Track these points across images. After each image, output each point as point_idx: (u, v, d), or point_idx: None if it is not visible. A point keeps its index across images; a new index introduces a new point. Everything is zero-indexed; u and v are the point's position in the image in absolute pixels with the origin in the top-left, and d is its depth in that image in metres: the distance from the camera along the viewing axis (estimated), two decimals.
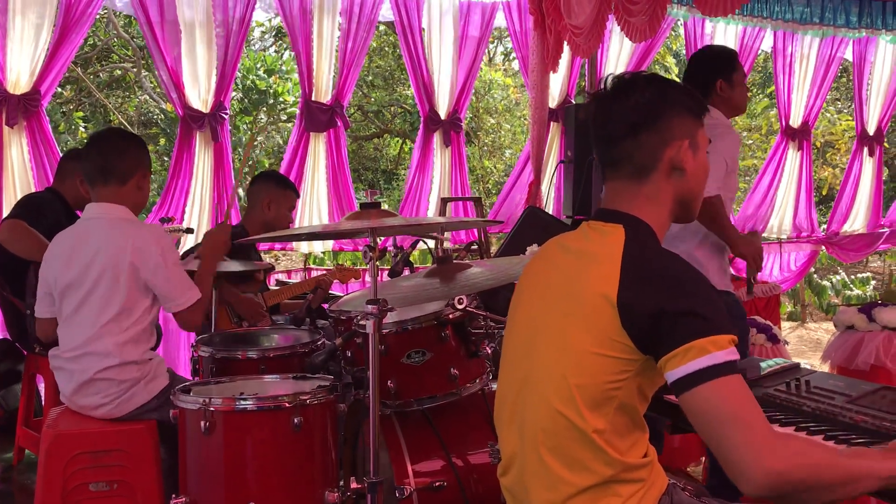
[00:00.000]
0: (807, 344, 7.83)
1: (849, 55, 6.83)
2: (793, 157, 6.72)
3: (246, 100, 9.92)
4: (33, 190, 4.39)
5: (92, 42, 9.80)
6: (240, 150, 9.34)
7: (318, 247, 5.71)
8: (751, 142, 10.37)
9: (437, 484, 2.33)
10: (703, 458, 3.85)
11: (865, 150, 7.06)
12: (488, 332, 2.47)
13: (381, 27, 9.43)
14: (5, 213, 3.94)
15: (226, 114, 4.98)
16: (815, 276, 9.50)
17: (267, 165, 9.89)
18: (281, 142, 10.15)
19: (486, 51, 9.24)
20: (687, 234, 2.98)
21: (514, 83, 11.13)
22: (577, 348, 1.49)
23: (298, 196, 4.02)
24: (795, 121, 6.68)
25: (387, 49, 10.78)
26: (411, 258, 2.96)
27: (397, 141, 11.61)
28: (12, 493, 3.63)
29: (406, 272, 2.91)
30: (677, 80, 2.75)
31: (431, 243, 2.63)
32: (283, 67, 10.33)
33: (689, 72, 3.16)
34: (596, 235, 1.60)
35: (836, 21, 6.45)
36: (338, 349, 2.41)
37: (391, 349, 2.37)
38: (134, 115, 10.39)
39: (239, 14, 4.89)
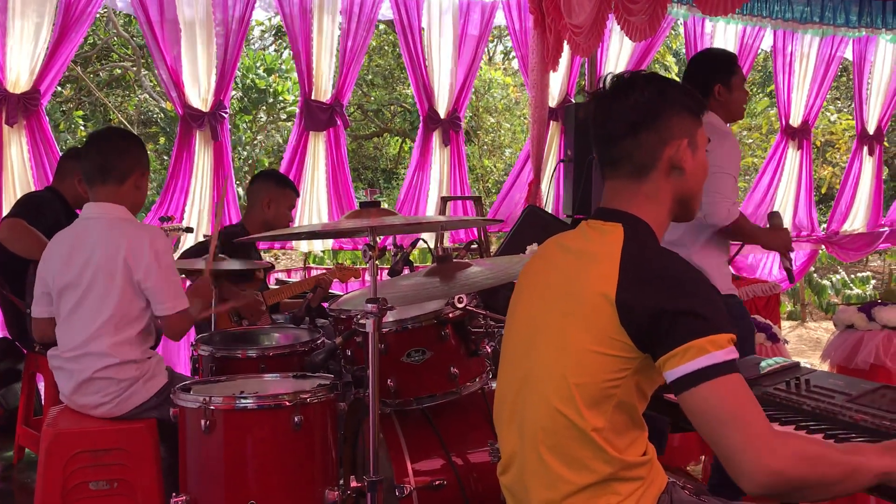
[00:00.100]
0: (806, 343, 7.84)
1: (849, 54, 6.83)
2: (793, 157, 6.72)
3: (245, 99, 9.92)
4: (33, 189, 4.39)
5: (92, 41, 9.80)
6: (239, 148, 9.35)
7: (318, 246, 5.71)
8: (751, 141, 10.36)
9: (437, 483, 2.33)
10: (703, 457, 3.85)
11: (865, 149, 7.06)
12: (488, 330, 2.47)
13: (381, 26, 9.44)
14: (5, 212, 3.95)
15: (225, 113, 4.98)
16: (815, 275, 9.51)
17: (266, 164, 9.88)
18: (280, 141, 10.15)
19: (486, 50, 9.23)
20: (686, 240, 2.97)
21: (514, 82, 11.12)
22: (576, 347, 1.49)
23: (298, 195, 4.02)
24: (795, 120, 6.68)
25: (386, 48, 10.78)
26: (411, 257, 2.96)
27: (397, 140, 11.61)
28: (12, 492, 3.63)
29: (406, 271, 2.91)
30: (677, 79, 2.75)
31: (431, 242, 2.63)
32: (283, 66, 10.32)
33: (688, 74, 3.15)
34: (595, 234, 1.60)
35: (836, 20, 6.46)
36: (338, 348, 2.41)
37: (391, 348, 2.37)
38: (134, 114, 10.38)
39: (238, 13, 4.89)
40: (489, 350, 2.46)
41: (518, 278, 1.76)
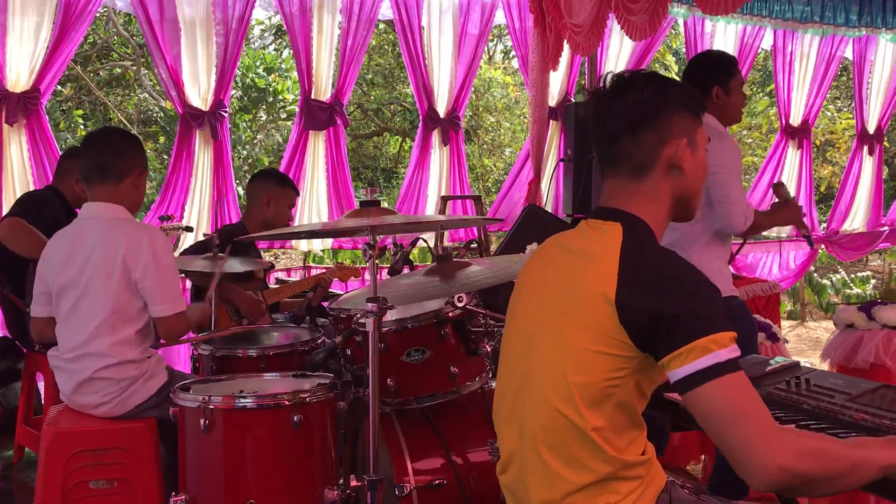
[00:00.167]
0: (806, 342, 7.83)
1: (849, 54, 6.83)
2: (792, 156, 6.72)
3: (245, 98, 9.92)
4: (33, 188, 4.39)
5: (92, 40, 9.79)
6: (239, 148, 9.34)
7: (318, 245, 5.71)
8: (750, 140, 10.36)
9: (437, 482, 2.33)
10: (703, 457, 3.85)
11: (865, 148, 7.07)
12: (488, 330, 2.47)
13: (381, 25, 9.43)
14: (5, 212, 3.95)
15: (225, 112, 4.98)
16: (815, 274, 9.51)
17: (266, 163, 9.87)
18: (280, 140, 10.14)
19: (486, 49, 9.23)
20: (686, 241, 2.96)
21: (514, 81, 11.12)
22: (575, 347, 1.49)
23: (298, 194, 4.02)
24: (795, 119, 6.68)
25: (386, 47, 10.78)
26: (411, 256, 2.96)
27: (397, 139, 11.61)
28: (12, 491, 3.63)
29: (406, 270, 2.91)
30: (677, 79, 2.74)
31: (431, 241, 2.63)
32: (283, 65, 10.31)
33: (687, 75, 3.15)
34: (594, 234, 1.60)
35: (836, 20, 6.46)
36: (337, 347, 2.41)
37: (391, 347, 2.37)
38: (134, 113, 10.38)
39: (238, 12, 4.88)
40: (489, 349, 2.46)
41: (517, 277, 1.76)
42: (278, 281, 4.66)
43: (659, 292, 1.43)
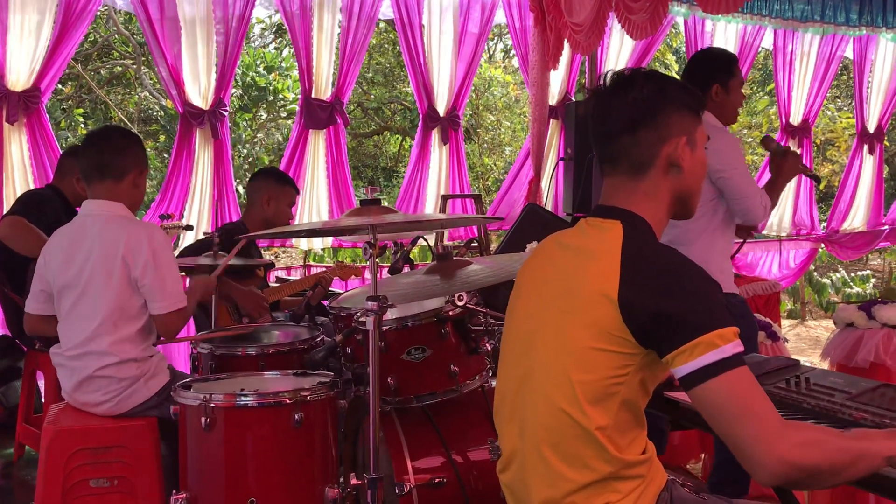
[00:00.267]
0: (806, 342, 7.83)
1: (849, 53, 6.83)
2: None
3: (246, 97, 9.92)
4: (33, 187, 4.40)
5: (92, 39, 9.79)
6: (239, 146, 9.33)
7: (318, 244, 5.71)
8: (751, 140, 10.36)
9: (437, 480, 2.33)
10: (703, 455, 3.85)
11: (865, 147, 7.07)
12: (488, 328, 2.47)
13: (381, 24, 9.42)
14: (5, 210, 3.95)
15: (225, 110, 4.98)
16: (815, 273, 9.51)
17: (267, 162, 9.87)
18: (281, 139, 10.14)
19: (486, 48, 9.23)
20: (686, 241, 2.96)
21: (514, 80, 11.12)
22: (577, 345, 1.49)
23: (298, 192, 4.02)
24: (795, 118, 6.68)
25: (387, 46, 10.77)
26: (411, 255, 2.96)
27: (397, 138, 11.60)
28: (12, 490, 3.63)
29: (406, 269, 2.91)
30: (677, 77, 2.74)
31: (431, 240, 2.63)
32: (283, 64, 10.31)
33: (687, 73, 3.15)
34: (594, 232, 1.60)
35: (837, 19, 6.46)
36: (338, 346, 2.41)
37: (391, 346, 2.37)
38: (134, 111, 10.38)
39: (239, 11, 4.88)
40: (489, 348, 2.46)
41: (517, 276, 1.76)
42: (278, 279, 4.66)
43: (661, 289, 1.44)
